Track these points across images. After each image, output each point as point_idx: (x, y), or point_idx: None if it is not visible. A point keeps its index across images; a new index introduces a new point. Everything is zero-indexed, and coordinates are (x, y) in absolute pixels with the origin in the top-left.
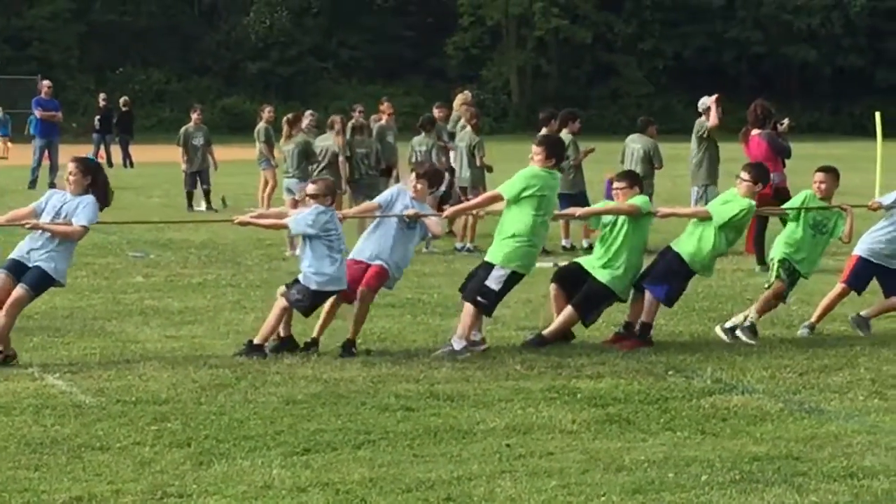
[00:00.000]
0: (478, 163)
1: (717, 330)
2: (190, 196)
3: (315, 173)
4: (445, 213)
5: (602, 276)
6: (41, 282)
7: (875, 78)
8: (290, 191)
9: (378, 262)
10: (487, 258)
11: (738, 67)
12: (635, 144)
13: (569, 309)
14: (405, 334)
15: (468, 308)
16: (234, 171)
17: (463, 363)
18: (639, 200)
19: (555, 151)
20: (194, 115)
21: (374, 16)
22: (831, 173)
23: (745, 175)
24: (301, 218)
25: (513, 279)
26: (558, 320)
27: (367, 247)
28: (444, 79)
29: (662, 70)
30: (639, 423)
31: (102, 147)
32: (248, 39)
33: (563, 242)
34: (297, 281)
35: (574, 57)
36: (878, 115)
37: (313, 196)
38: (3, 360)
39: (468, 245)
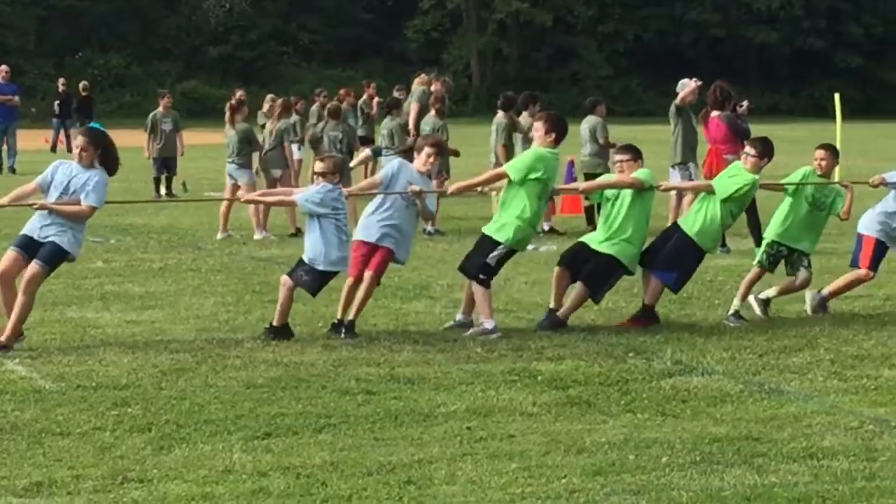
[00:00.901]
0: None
1: (751, 300)
2: (157, 182)
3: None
4: (450, 190)
5: (607, 248)
6: (55, 256)
7: (834, 59)
8: (231, 176)
9: (386, 245)
10: (492, 234)
11: (697, 50)
12: (585, 125)
13: (579, 286)
14: (366, 318)
15: (477, 288)
16: (195, 156)
17: (424, 347)
18: (642, 174)
19: (554, 126)
20: (163, 101)
21: None
22: (831, 150)
23: (751, 150)
24: (309, 196)
25: (508, 256)
26: (570, 300)
27: (372, 226)
28: (404, 62)
29: (622, 53)
30: (599, 405)
31: (62, 132)
32: (207, 24)
33: None
34: (301, 262)
35: (534, 40)
36: (837, 96)
37: (321, 174)
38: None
39: (429, 228)
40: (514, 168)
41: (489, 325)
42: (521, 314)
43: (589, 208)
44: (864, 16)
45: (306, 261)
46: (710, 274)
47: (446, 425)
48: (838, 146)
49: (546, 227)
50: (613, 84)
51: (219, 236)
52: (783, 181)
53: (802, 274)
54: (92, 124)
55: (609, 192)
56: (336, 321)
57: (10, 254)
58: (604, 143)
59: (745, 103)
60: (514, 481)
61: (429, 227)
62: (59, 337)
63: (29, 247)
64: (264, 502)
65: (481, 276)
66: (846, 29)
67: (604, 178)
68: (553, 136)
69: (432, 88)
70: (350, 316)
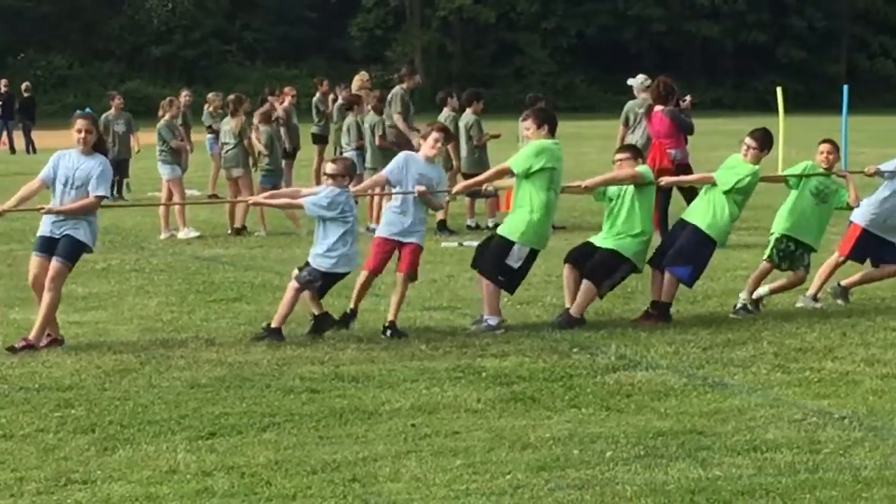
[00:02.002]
0: (377, 142)
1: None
2: (113, 185)
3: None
4: (455, 189)
5: (608, 242)
6: (74, 250)
7: (777, 53)
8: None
9: (413, 240)
10: (505, 234)
11: (640, 45)
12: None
13: (585, 284)
14: (308, 316)
15: (488, 285)
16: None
17: (368, 344)
18: (641, 169)
19: (544, 118)
20: (114, 102)
21: None
22: (834, 144)
23: (751, 142)
24: (316, 200)
25: (532, 256)
26: (579, 296)
27: (394, 222)
28: (348, 60)
29: (566, 49)
30: (544, 401)
31: (5, 133)
32: (150, 23)
33: (469, 221)
34: (307, 263)
35: (478, 36)
36: (779, 90)
37: (332, 176)
38: (51, 343)
39: (371, 225)
40: (515, 162)
41: (493, 321)
42: (466, 311)
43: None
44: (807, 9)
45: (311, 263)
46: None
47: (391, 423)
48: (780, 140)
49: (491, 223)
50: (557, 80)
51: (181, 234)
52: (784, 173)
53: (799, 273)
54: (86, 110)
55: (612, 191)
56: (348, 311)
57: (35, 259)
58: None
59: (688, 98)
60: (458, 478)
61: (489, 221)
62: (2, 339)
63: (50, 247)
64: (208, 502)
65: (500, 278)
66: (789, 22)
67: (607, 175)
68: (546, 127)
69: (404, 87)
70: (390, 317)
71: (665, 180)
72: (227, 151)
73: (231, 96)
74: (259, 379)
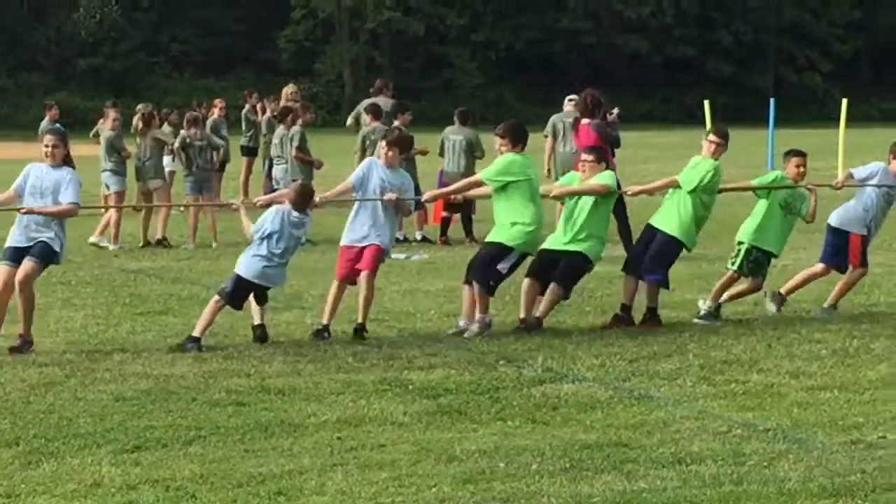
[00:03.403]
0: (293, 153)
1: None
2: None
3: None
4: (424, 198)
5: (577, 247)
6: (46, 254)
7: (705, 67)
8: (107, 186)
9: (374, 242)
10: (501, 241)
11: (569, 58)
12: (456, 136)
13: (553, 287)
14: (237, 328)
15: (478, 289)
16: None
17: (295, 357)
18: (607, 177)
19: (518, 137)
20: (50, 112)
21: (205, 9)
22: (806, 157)
23: (715, 138)
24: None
25: (519, 261)
26: (545, 300)
27: (355, 231)
28: (276, 72)
29: (495, 61)
30: (470, 414)
31: None
32: (78, 35)
33: (398, 234)
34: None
35: (407, 49)
36: (706, 103)
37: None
38: (22, 347)
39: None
40: (487, 176)
41: (488, 318)
42: (393, 323)
43: (445, 220)
44: (734, 23)
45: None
46: (581, 281)
47: (317, 435)
48: None
49: (419, 236)
50: (487, 93)
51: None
52: (753, 182)
53: (758, 280)
54: (56, 126)
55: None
56: (320, 327)
57: (3, 268)
58: (480, 156)
59: (616, 111)
60: (384, 490)
61: (417, 234)
62: None
63: (19, 257)
64: None
65: (491, 283)
66: (717, 36)
67: (575, 184)
68: (520, 146)
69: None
70: (359, 319)
71: (632, 189)
72: (143, 164)
73: (139, 111)
74: (185, 392)
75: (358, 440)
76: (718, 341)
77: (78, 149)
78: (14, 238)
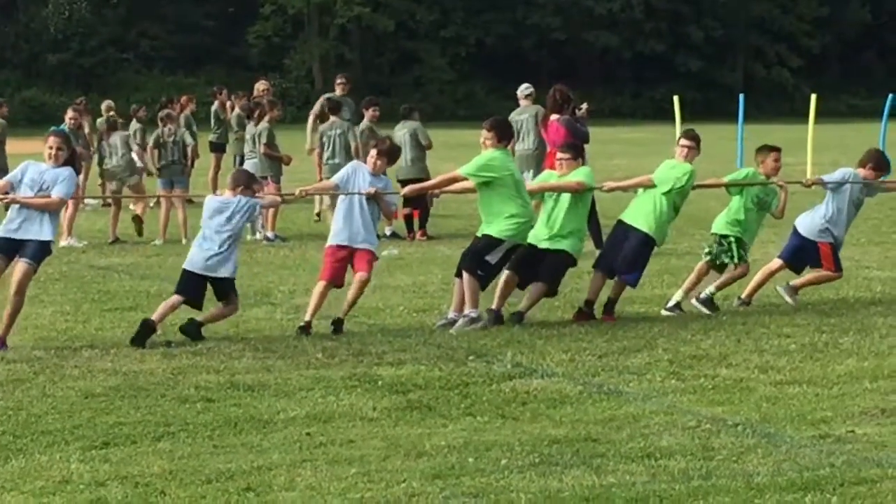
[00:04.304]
0: (261, 150)
1: (693, 302)
2: None
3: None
4: (403, 191)
5: (560, 244)
6: (40, 252)
7: (675, 62)
8: None
9: (365, 246)
10: (491, 234)
11: (539, 54)
12: (402, 130)
13: (539, 284)
14: (206, 325)
15: (469, 280)
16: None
17: (264, 353)
18: (583, 174)
19: (505, 133)
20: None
21: (174, 5)
22: (780, 152)
23: (687, 142)
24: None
25: (509, 253)
26: (529, 296)
27: (344, 231)
28: (245, 68)
29: (465, 57)
30: (439, 409)
31: None
32: (46, 31)
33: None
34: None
35: (377, 45)
36: (676, 99)
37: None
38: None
39: (268, 234)
40: (467, 171)
41: (475, 313)
42: (362, 319)
43: (408, 216)
44: (704, 18)
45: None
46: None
47: (286, 431)
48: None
49: (388, 232)
50: (457, 88)
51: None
52: (726, 179)
53: (742, 267)
54: (60, 127)
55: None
56: (303, 324)
57: None
58: (427, 145)
59: (584, 106)
60: (353, 486)
61: (387, 230)
62: None
63: (11, 249)
64: None
65: (480, 273)
66: (686, 32)
67: (550, 181)
68: (505, 143)
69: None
70: (340, 314)
71: (608, 185)
72: (116, 162)
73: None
74: (154, 388)
75: (327, 436)
76: (688, 336)
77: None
78: (6, 228)
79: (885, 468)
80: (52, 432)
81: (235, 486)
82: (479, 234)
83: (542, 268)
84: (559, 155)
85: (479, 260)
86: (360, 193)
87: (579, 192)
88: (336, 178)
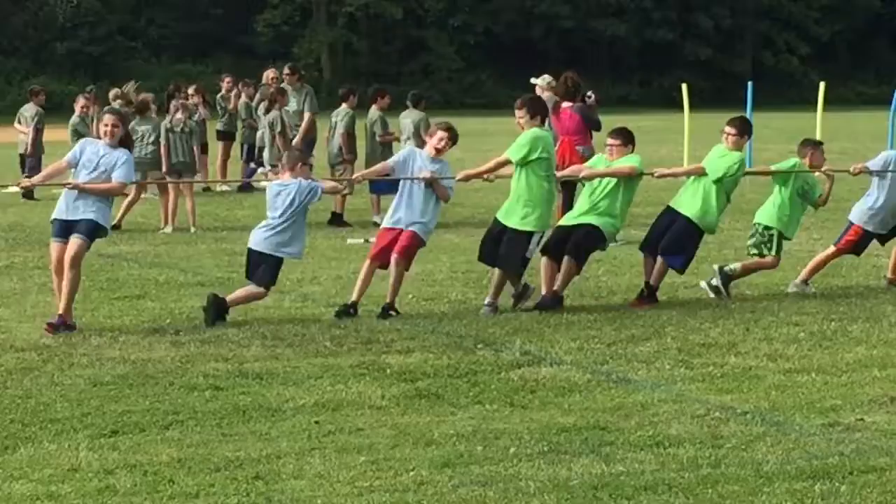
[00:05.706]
0: (276, 140)
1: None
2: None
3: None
4: (458, 177)
5: (590, 219)
6: (93, 230)
7: (683, 51)
8: None
9: (411, 229)
10: (520, 228)
11: (547, 42)
12: (405, 119)
13: (566, 260)
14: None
15: (511, 277)
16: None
17: (273, 341)
18: (634, 160)
19: (537, 109)
20: (37, 98)
21: None
22: (822, 146)
23: (730, 129)
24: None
25: (540, 240)
26: (562, 275)
27: (397, 213)
28: (254, 56)
29: (473, 45)
30: (448, 397)
31: None
32: (55, 19)
33: (375, 218)
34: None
35: (385, 33)
36: (684, 86)
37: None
38: (59, 325)
39: None
40: (513, 151)
41: (521, 287)
42: (371, 307)
43: None
44: (713, 7)
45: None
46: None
47: (294, 420)
48: (686, 136)
49: (377, 220)
50: (465, 77)
51: None
52: (773, 168)
53: (774, 258)
54: (115, 106)
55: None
56: (348, 304)
57: (55, 244)
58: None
59: (592, 94)
60: (362, 475)
61: (375, 217)
62: None
63: (67, 231)
64: (111, 500)
65: (522, 270)
66: (695, 20)
67: (602, 166)
68: (539, 118)
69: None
70: (388, 299)
71: (659, 172)
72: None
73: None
74: (162, 376)
75: (336, 424)
76: (696, 324)
77: (57, 133)
78: (59, 211)
79: (895, 456)
80: (61, 420)
81: (244, 474)
82: (511, 225)
83: (570, 243)
84: (609, 140)
85: (523, 261)
86: (413, 178)
87: (632, 177)
88: (391, 162)
